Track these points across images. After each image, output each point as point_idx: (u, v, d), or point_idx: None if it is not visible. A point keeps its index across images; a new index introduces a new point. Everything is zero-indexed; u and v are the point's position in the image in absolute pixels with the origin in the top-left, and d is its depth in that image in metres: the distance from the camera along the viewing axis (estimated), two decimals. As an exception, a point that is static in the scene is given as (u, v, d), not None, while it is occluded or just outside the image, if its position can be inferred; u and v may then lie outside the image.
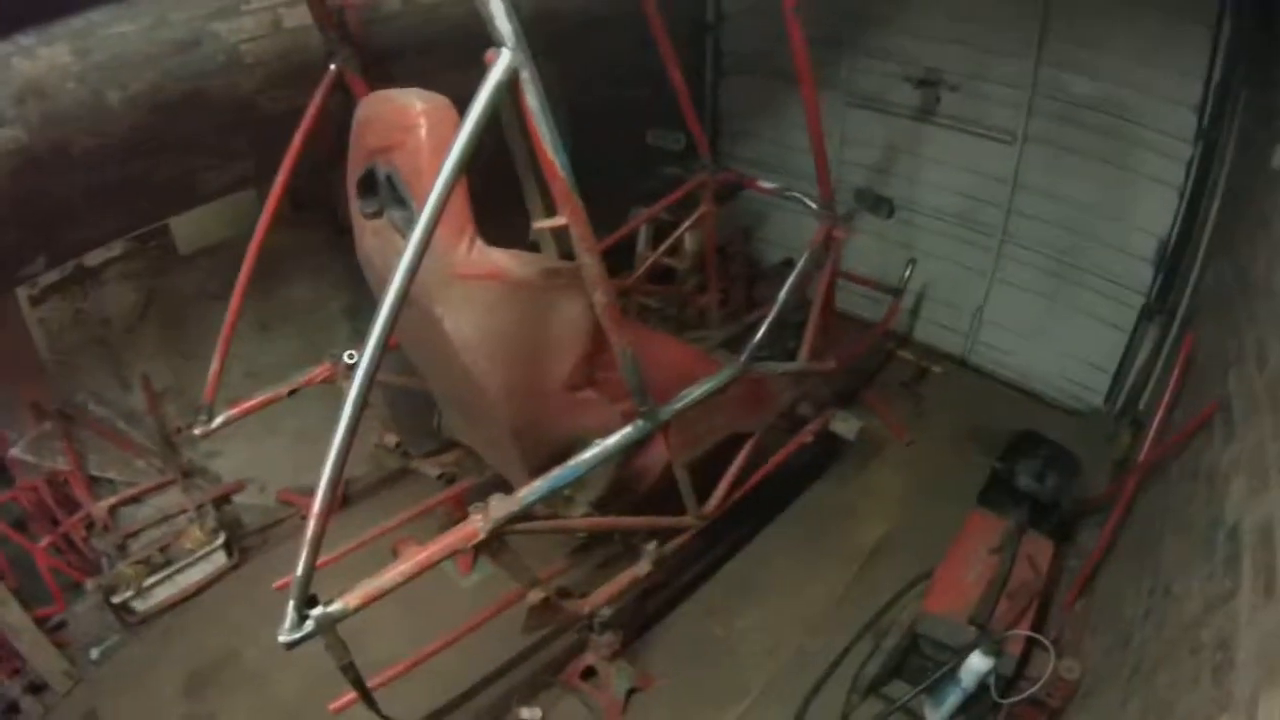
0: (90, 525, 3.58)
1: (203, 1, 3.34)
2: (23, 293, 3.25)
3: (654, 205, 4.00)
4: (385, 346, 1.54)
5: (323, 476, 1.52)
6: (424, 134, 1.86)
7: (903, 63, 4.72)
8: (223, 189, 3.55)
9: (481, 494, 2.04)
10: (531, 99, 1.64)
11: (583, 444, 2.17)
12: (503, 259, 1.92)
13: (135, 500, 3.71)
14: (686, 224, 3.91)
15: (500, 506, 1.99)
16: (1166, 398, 3.23)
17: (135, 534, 3.67)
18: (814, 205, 3.15)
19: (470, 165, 1.58)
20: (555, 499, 2.40)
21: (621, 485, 2.49)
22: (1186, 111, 3.82)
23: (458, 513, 3.15)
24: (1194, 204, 3.88)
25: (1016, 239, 4.67)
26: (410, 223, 1.96)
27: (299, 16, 3.09)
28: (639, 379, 2.11)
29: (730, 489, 2.96)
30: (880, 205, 3.40)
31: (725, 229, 4.67)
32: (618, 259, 4.01)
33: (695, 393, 2.40)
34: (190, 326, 3.64)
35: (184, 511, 3.70)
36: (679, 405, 2.33)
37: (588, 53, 4.68)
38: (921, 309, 5.24)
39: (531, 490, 2.05)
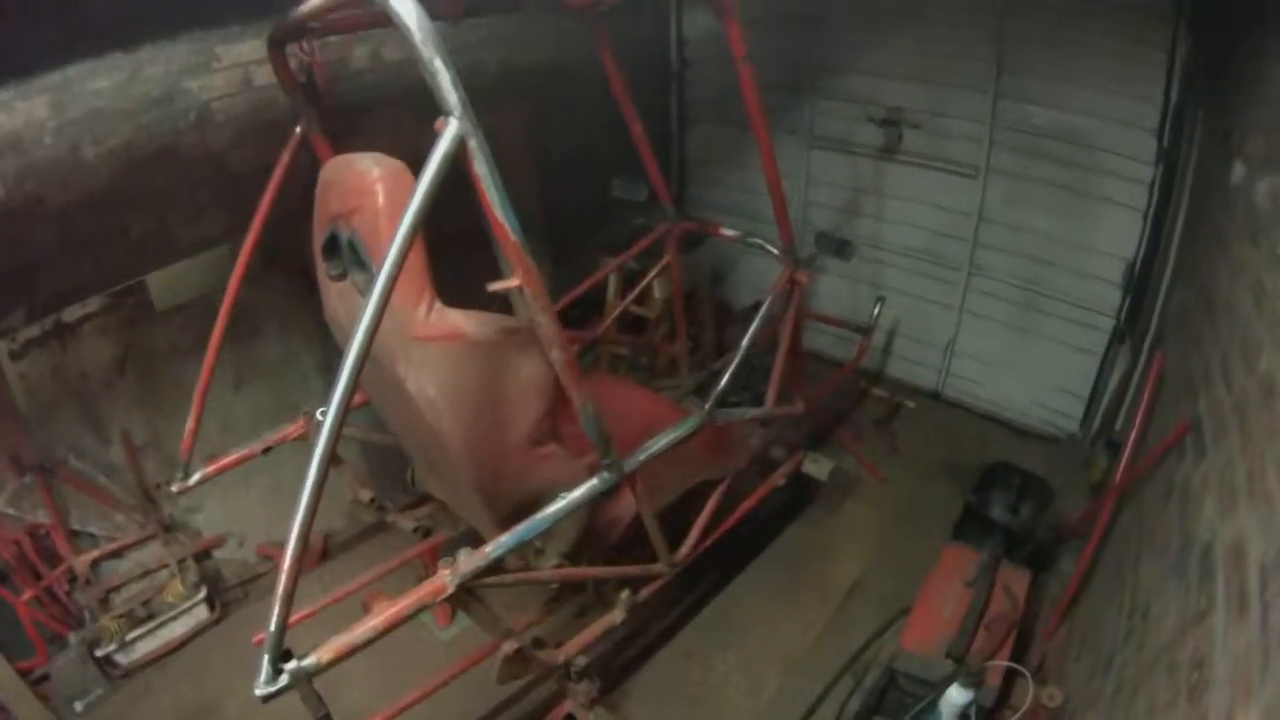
0: (72, 579, 3.58)
1: (176, 58, 3.38)
2: (2, 346, 3.23)
3: (621, 254, 4.03)
4: (348, 407, 1.57)
5: (291, 534, 1.54)
6: (381, 199, 1.90)
7: (864, 103, 4.80)
8: (196, 245, 3.58)
9: (457, 546, 2.06)
10: (480, 165, 1.69)
11: (549, 497, 2.19)
12: (461, 320, 1.94)
13: (116, 554, 3.70)
14: (653, 273, 3.95)
15: (468, 561, 2.01)
16: (1139, 420, 3.25)
17: (117, 588, 3.68)
18: (775, 251, 3.18)
19: (424, 229, 1.63)
20: (526, 550, 2.42)
21: (591, 535, 2.50)
22: (1145, 135, 3.89)
23: (434, 565, 3.18)
24: (1158, 226, 3.94)
25: (984, 271, 4.73)
26: (369, 285, 2.01)
27: (268, 74, 3.13)
28: (601, 432, 2.13)
29: (702, 535, 2.97)
30: (842, 249, 3.44)
31: (693, 275, 4.72)
32: (588, 307, 4.05)
33: (659, 444, 2.42)
34: (167, 382, 3.64)
35: (165, 566, 3.71)
36: (643, 457, 2.35)
37: (555, 103, 4.77)
38: (893, 345, 5.29)
39: (498, 545, 2.06)
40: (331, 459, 1.57)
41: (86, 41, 3.12)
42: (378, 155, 1.99)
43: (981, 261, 4.72)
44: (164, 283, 3.52)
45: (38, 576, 3.47)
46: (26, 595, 3.38)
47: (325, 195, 2.16)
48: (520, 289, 1.81)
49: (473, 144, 1.66)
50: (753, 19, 4.93)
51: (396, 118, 3.88)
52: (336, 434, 1.57)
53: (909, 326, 5.19)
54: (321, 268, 2.27)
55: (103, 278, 3.40)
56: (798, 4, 4.89)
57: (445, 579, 1.98)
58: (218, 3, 3.40)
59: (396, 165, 1.94)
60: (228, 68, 3.48)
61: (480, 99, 4.62)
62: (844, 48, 4.81)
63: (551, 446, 2.23)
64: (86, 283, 3.37)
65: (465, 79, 4.15)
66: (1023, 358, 4.76)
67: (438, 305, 1.94)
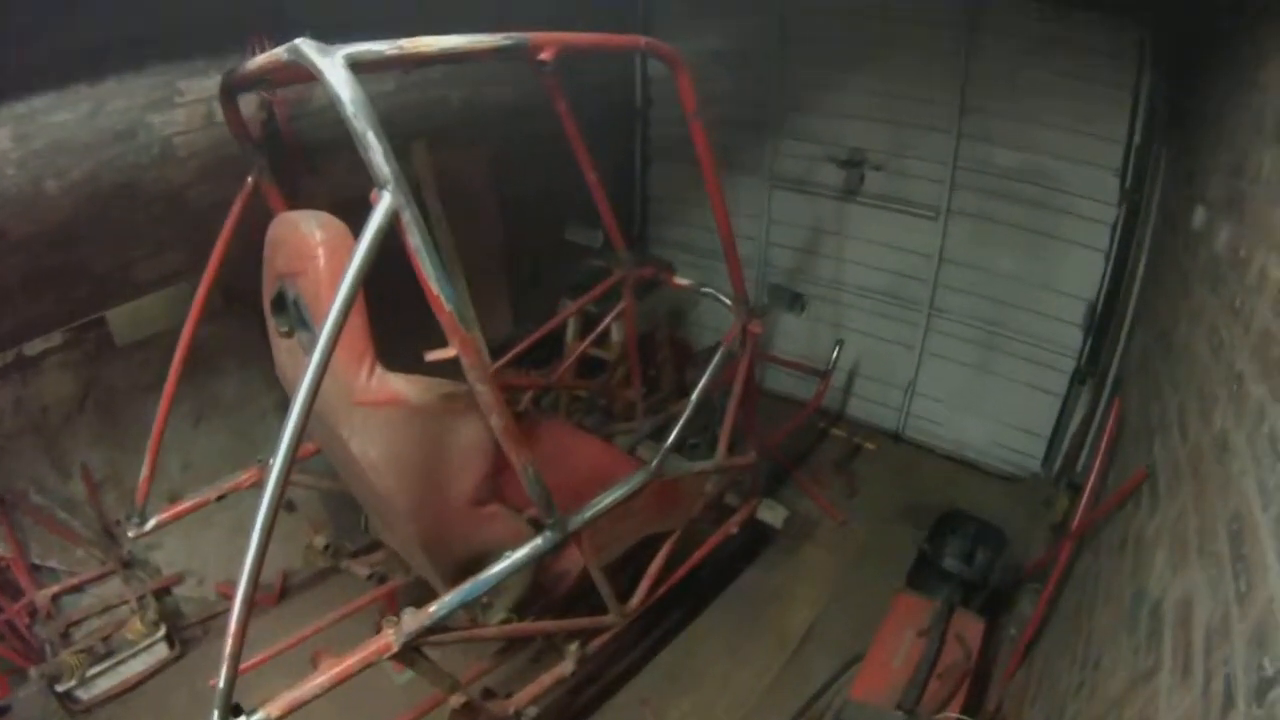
0: (33, 612, 3.55)
1: (139, 92, 3.38)
2: None
3: (579, 296, 4.03)
4: (291, 466, 1.59)
5: (237, 596, 1.54)
6: (322, 264, 1.90)
7: (826, 144, 4.84)
8: (157, 281, 3.57)
9: (411, 592, 2.06)
10: (414, 238, 1.70)
11: (494, 555, 2.19)
12: (402, 386, 1.95)
13: (77, 589, 3.68)
14: (609, 318, 3.96)
15: (412, 620, 2.01)
16: (1097, 464, 3.26)
17: (77, 623, 3.65)
18: (728, 302, 3.20)
19: (365, 292, 1.66)
20: (473, 606, 2.41)
21: (539, 589, 2.51)
22: (1108, 175, 3.93)
23: (391, 608, 3.17)
24: (1120, 267, 3.99)
25: (945, 312, 4.76)
26: (313, 345, 2.01)
27: (230, 112, 3.13)
28: (544, 493, 2.13)
29: (654, 585, 2.97)
30: (793, 302, 3.46)
31: (653, 315, 4.73)
32: (549, 348, 4.05)
33: (605, 501, 2.42)
34: (128, 417, 3.62)
35: (125, 602, 3.68)
36: (588, 515, 2.35)
37: (517, 142, 4.78)
38: (853, 385, 5.31)
39: (442, 604, 2.06)
40: (276, 517, 1.58)
41: (50, 71, 3.11)
42: (321, 216, 2.00)
43: (942, 302, 4.76)
44: (125, 318, 3.51)
45: (-1, 610, 3.45)
46: None
47: (273, 253, 2.16)
48: (458, 358, 1.82)
49: (406, 217, 1.66)
50: (714, 57, 5.03)
51: (356, 156, 3.86)
52: (280, 496, 1.58)
53: (870, 367, 5.21)
54: (271, 323, 2.26)
55: (64, 312, 3.38)
56: (759, 43, 4.94)
57: (390, 638, 1.98)
58: (180, 37, 3.40)
59: (338, 229, 1.95)
60: (190, 103, 3.49)
61: (444, 136, 4.65)
62: (806, 88, 4.86)
63: (494, 506, 2.24)
64: (48, 317, 3.34)
65: (429, 115, 4.19)
66: (984, 398, 4.79)
67: (379, 370, 1.95)
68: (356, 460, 2.05)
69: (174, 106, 3.45)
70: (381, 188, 1.64)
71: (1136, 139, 3.83)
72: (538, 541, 2.21)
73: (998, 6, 4.02)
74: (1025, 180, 4.21)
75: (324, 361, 1.58)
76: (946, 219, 4.54)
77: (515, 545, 2.20)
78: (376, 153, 1.62)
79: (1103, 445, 3.25)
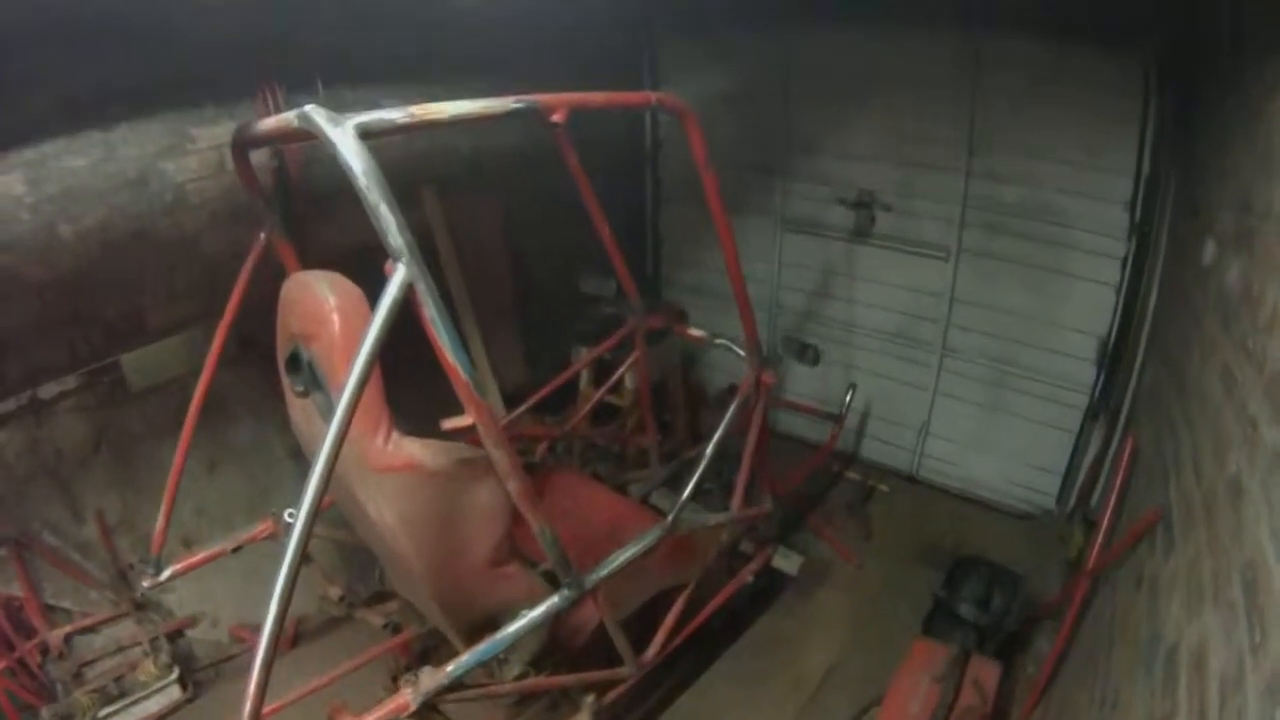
0: (45, 651, 3.56)
1: (151, 139, 3.41)
2: None
3: (592, 344, 4.03)
4: (310, 532, 1.58)
5: (255, 662, 1.52)
6: (336, 330, 1.90)
7: (835, 185, 4.85)
8: (170, 327, 3.59)
9: (425, 642, 2.05)
10: (429, 309, 1.70)
11: (511, 613, 2.20)
12: (418, 451, 1.95)
13: (90, 630, 3.69)
14: (623, 368, 3.96)
15: (430, 679, 2.02)
16: (1112, 502, 3.23)
17: (90, 663, 3.66)
18: (741, 353, 3.20)
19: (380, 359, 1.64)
20: (490, 661, 2.41)
21: (555, 643, 2.51)
22: (1118, 209, 3.92)
23: (404, 658, 3.18)
24: (1131, 301, 3.97)
25: (957, 352, 4.75)
26: (329, 408, 2.01)
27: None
28: (561, 553, 2.14)
29: (669, 636, 2.96)
30: (805, 353, 3.46)
31: (665, 360, 4.74)
32: (561, 393, 4.05)
33: (620, 558, 2.42)
34: (141, 462, 3.64)
35: (138, 644, 3.69)
36: (604, 573, 2.35)
37: (527, 189, 4.79)
38: (867, 427, 5.29)
39: (460, 664, 2.07)
40: (295, 584, 1.57)
41: (62, 116, 3.14)
42: (334, 279, 2.00)
43: (954, 342, 4.75)
44: (139, 363, 3.53)
45: (10, 647, 3.45)
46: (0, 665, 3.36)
47: (286, 313, 2.17)
48: (474, 426, 1.82)
49: (421, 288, 1.67)
50: (721, 100, 5.04)
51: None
52: (298, 564, 1.56)
53: (882, 408, 5.20)
54: (286, 381, 2.27)
55: (78, 357, 3.40)
56: (765, 85, 4.97)
57: (408, 696, 1.98)
58: (191, 84, 3.44)
59: (352, 294, 1.95)
60: (202, 150, 3.52)
61: (454, 183, 4.67)
62: (814, 129, 4.87)
63: (512, 566, 2.24)
64: (61, 361, 3.36)
65: (439, 162, 4.19)
66: (997, 436, 4.77)
67: (395, 435, 1.94)
68: (374, 522, 2.06)
69: (186, 154, 3.48)
70: (396, 260, 1.64)
71: (1145, 171, 3.82)
72: (555, 599, 2.23)
73: (1001, 42, 4.04)
74: (1035, 217, 4.21)
75: (341, 433, 1.58)
76: (957, 258, 4.55)
77: (532, 603, 2.22)
78: (391, 225, 1.63)
79: (1117, 482, 3.22)
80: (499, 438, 1.86)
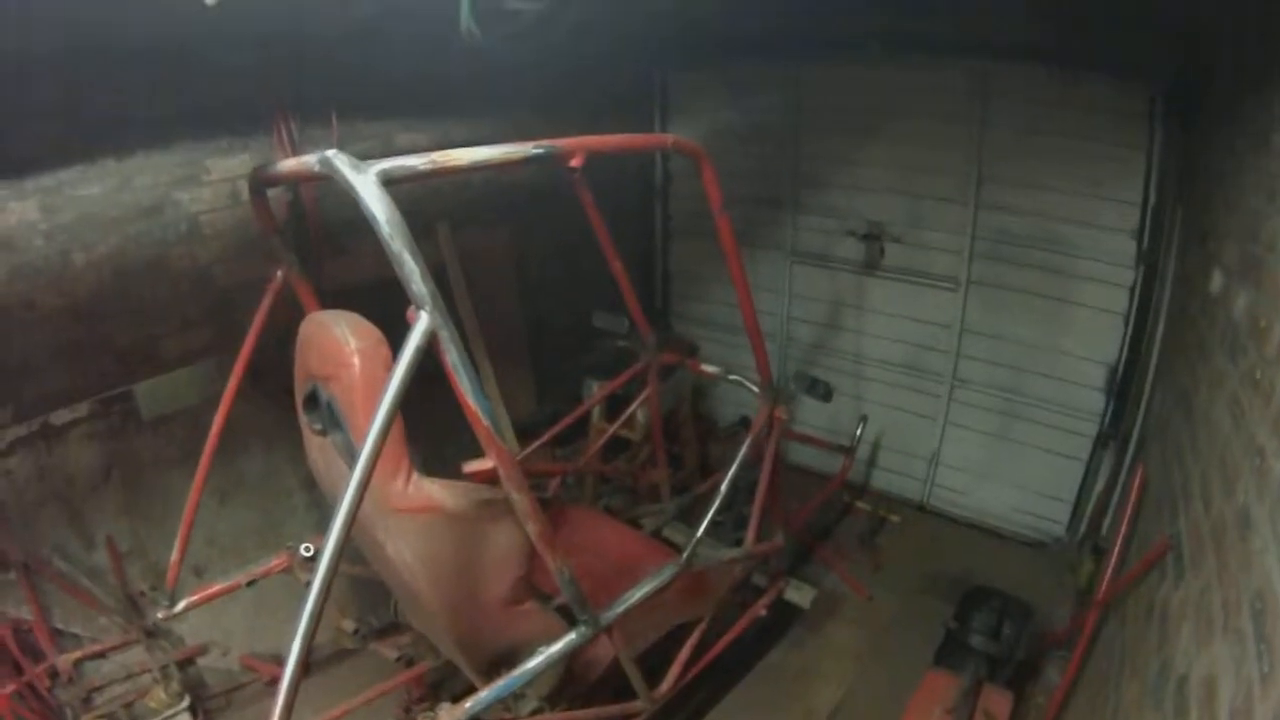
0: (54, 676, 3.55)
1: (166, 168, 3.43)
2: None
3: (602, 378, 4.05)
4: (334, 576, 1.58)
5: (277, 704, 1.52)
6: (357, 373, 1.91)
7: (845, 218, 4.89)
8: (183, 357, 3.61)
9: (438, 675, 2.05)
10: (451, 355, 1.72)
11: (527, 649, 2.23)
12: (438, 493, 1.96)
13: (99, 656, 3.68)
14: (635, 404, 3.97)
15: (448, 716, 2.04)
16: (1122, 531, 3.23)
17: (99, 688, 3.64)
18: (755, 389, 3.22)
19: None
20: (506, 697, 2.42)
21: (571, 677, 2.52)
22: (1125, 237, 3.95)
23: (418, 690, 3.18)
24: (1139, 329, 3.99)
25: (967, 382, 4.77)
26: (349, 449, 2.03)
27: (253, 190, 3.21)
28: (578, 593, 2.16)
29: (683, 670, 2.97)
30: (814, 387, 3.47)
31: (676, 393, 4.74)
32: (570, 427, 4.06)
33: (636, 594, 2.44)
34: (152, 491, 3.65)
35: (148, 671, 3.68)
36: (620, 609, 2.37)
37: (538, 222, 4.85)
38: (877, 458, 5.30)
39: (477, 701, 2.10)
40: (318, 625, 1.57)
41: (77, 144, 3.17)
42: (354, 320, 2.01)
43: (964, 373, 4.77)
44: (151, 393, 3.54)
45: (19, 671, 3.45)
46: (8, 689, 3.35)
47: (304, 353, 2.19)
48: (495, 470, 1.84)
49: (444, 335, 1.69)
50: (731, 134, 5.07)
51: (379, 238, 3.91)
52: (323, 598, 1.56)
53: (893, 439, 5.21)
54: (303, 419, 2.29)
55: (90, 384, 3.41)
56: (774, 118, 5.01)
57: (427, 734, 2.00)
58: (206, 116, 3.47)
59: (372, 336, 1.96)
60: (216, 181, 3.55)
61: (466, 216, 4.69)
62: (823, 162, 4.91)
63: (529, 603, 2.26)
64: (73, 388, 3.37)
65: (452, 196, 4.20)
66: (1007, 466, 4.78)
67: (415, 477, 1.95)
68: (392, 560, 2.06)
69: (200, 184, 3.51)
70: (419, 307, 1.65)
71: (1152, 200, 3.85)
72: (571, 636, 2.25)
73: (1009, 74, 4.08)
74: (1043, 247, 4.24)
75: (365, 480, 1.59)
76: (967, 289, 4.57)
77: (549, 639, 2.24)
78: (414, 274, 1.64)
79: (1127, 511, 3.23)
80: (519, 482, 1.88)
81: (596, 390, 4.14)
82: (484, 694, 2.10)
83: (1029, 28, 3.88)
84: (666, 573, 2.55)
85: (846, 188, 4.86)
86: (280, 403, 3.77)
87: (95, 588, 3.69)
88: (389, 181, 1.69)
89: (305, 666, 1.56)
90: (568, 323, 5.05)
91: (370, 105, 3.98)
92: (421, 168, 1.78)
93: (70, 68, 2.98)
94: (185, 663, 3.81)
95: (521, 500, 1.91)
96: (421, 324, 1.65)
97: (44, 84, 2.96)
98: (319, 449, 2.28)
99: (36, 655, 3.48)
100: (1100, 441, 4.33)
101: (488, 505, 2.01)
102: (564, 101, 4.77)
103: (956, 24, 4.03)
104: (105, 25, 2.68)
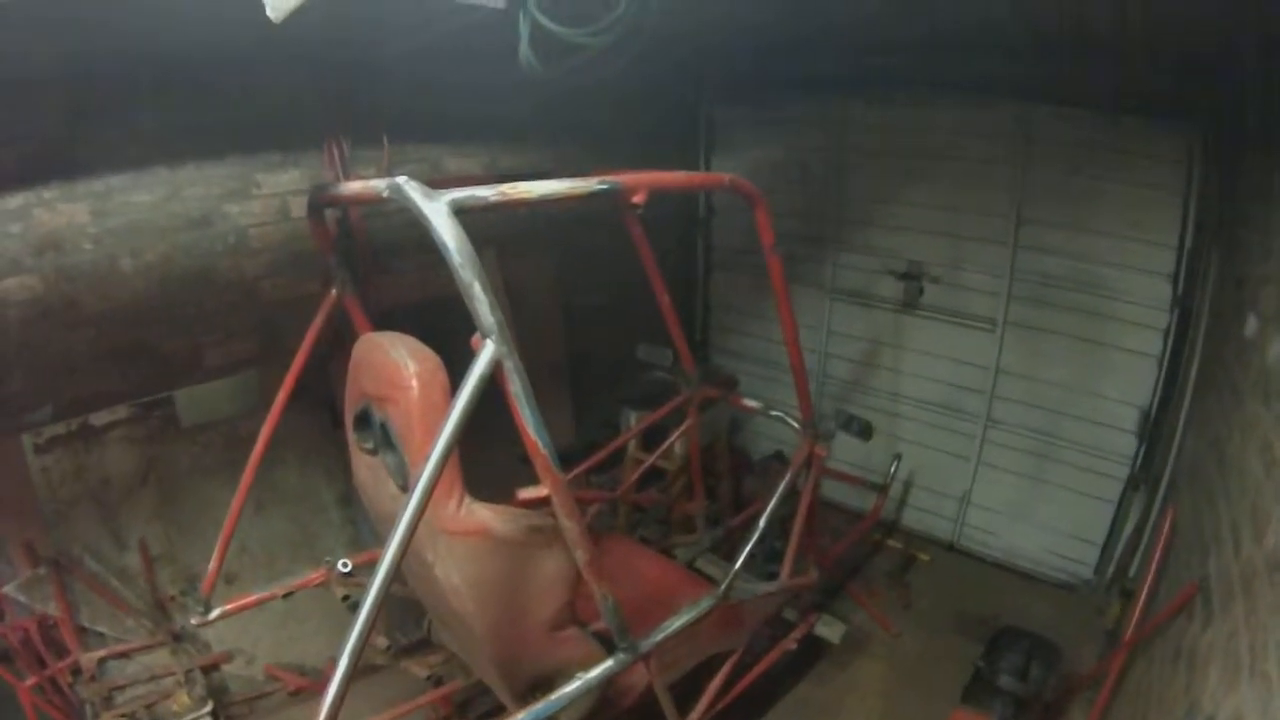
0: (77, 672, 3.57)
1: (216, 181, 3.50)
2: (26, 440, 3.27)
3: (641, 409, 4.05)
4: (384, 599, 1.60)
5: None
6: (415, 396, 1.92)
7: (885, 256, 4.91)
8: (226, 367, 3.65)
9: (465, 693, 2.04)
10: (514, 385, 1.74)
11: (565, 674, 2.24)
12: (489, 517, 1.98)
13: (124, 656, 3.70)
14: (675, 436, 3.98)
15: None
16: (1150, 575, 3.23)
17: (121, 688, 3.65)
18: (796, 425, 3.24)
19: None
20: (541, 721, 2.43)
21: (604, 704, 2.52)
22: (1161, 280, 3.95)
23: (445, 709, 3.19)
24: (1173, 372, 3.99)
25: (1000, 423, 4.77)
26: (402, 470, 2.05)
27: (305, 207, 3.27)
28: (621, 620, 2.17)
29: (712, 701, 2.97)
30: (855, 425, 3.48)
31: (713, 425, 4.72)
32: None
33: (674, 625, 2.45)
34: (186, 498, 3.69)
35: (172, 674, 3.69)
36: (658, 637, 2.38)
37: (582, 251, 4.91)
38: (909, 496, 5.29)
39: (513, 725, 2.09)
40: (365, 648, 1.58)
41: (129, 152, 3.24)
42: (412, 344, 2.02)
43: (998, 414, 4.77)
44: (192, 400, 3.59)
45: (42, 665, 3.46)
46: (30, 681, 3.37)
47: (358, 373, 2.20)
48: (549, 498, 1.87)
49: (508, 365, 1.71)
50: (773, 170, 5.10)
51: (425, 259, 3.97)
52: (372, 620, 1.58)
53: (925, 477, 5.20)
54: (352, 438, 2.31)
55: (130, 389, 3.47)
56: (817, 156, 5.05)
57: (469, 755, 2.01)
58: (257, 130, 3.53)
59: (431, 361, 1.97)
60: (266, 196, 3.60)
61: (510, 243, 4.73)
62: (864, 201, 4.95)
63: (571, 629, 2.27)
64: (114, 391, 3.43)
65: (496, 223, 4.21)
66: (1038, 507, 4.77)
67: (467, 501, 1.97)
68: (438, 581, 2.08)
69: (250, 198, 3.56)
70: (485, 336, 1.68)
71: (1188, 243, 3.86)
72: (610, 663, 2.26)
73: (1050, 116, 4.10)
74: (1080, 289, 4.25)
75: (422, 507, 1.61)
76: (1003, 330, 4.58)
77: (587, 665, 2.25)
78: (483, 304, 1.66)
79: (1156, 554, 3.22)
80: (572, 510, 1.90)
81: (635, 421, 4.17)
82: (520, 717, 2.10)
83: (1071, 71, 3.90)
84: (704, 603, 2.56)
85: (887, 226, 4.89)
86: (319, 417, 3.83)
87: (124, 589, 3.72)
88: (459, 211, 1.70)
89: (348, 686, 1.55)
90: (606, 351, 5.09)
91: (420, 128, 4.04)
92: (491, 199, 1.81)
93: (126, 75, 3.06)
94: (209, 668, 3.82)
95: (573, 528, 1.93)
96: (487, 352, 1.67)
97: (98, 89, 3.03)
98: (368, 468, 2.30)
99: (61, 651, 3.51)
100: (1131, 484, 4.31)
101: (538, 532, 2.03)
102: (610, 133, 4.84)
103: (1000, 66, 4.07)
104: (163, 34, 2.72)
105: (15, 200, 2.99)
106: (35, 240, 3.05)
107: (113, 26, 2.51)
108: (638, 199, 2.14)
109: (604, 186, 2.04)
